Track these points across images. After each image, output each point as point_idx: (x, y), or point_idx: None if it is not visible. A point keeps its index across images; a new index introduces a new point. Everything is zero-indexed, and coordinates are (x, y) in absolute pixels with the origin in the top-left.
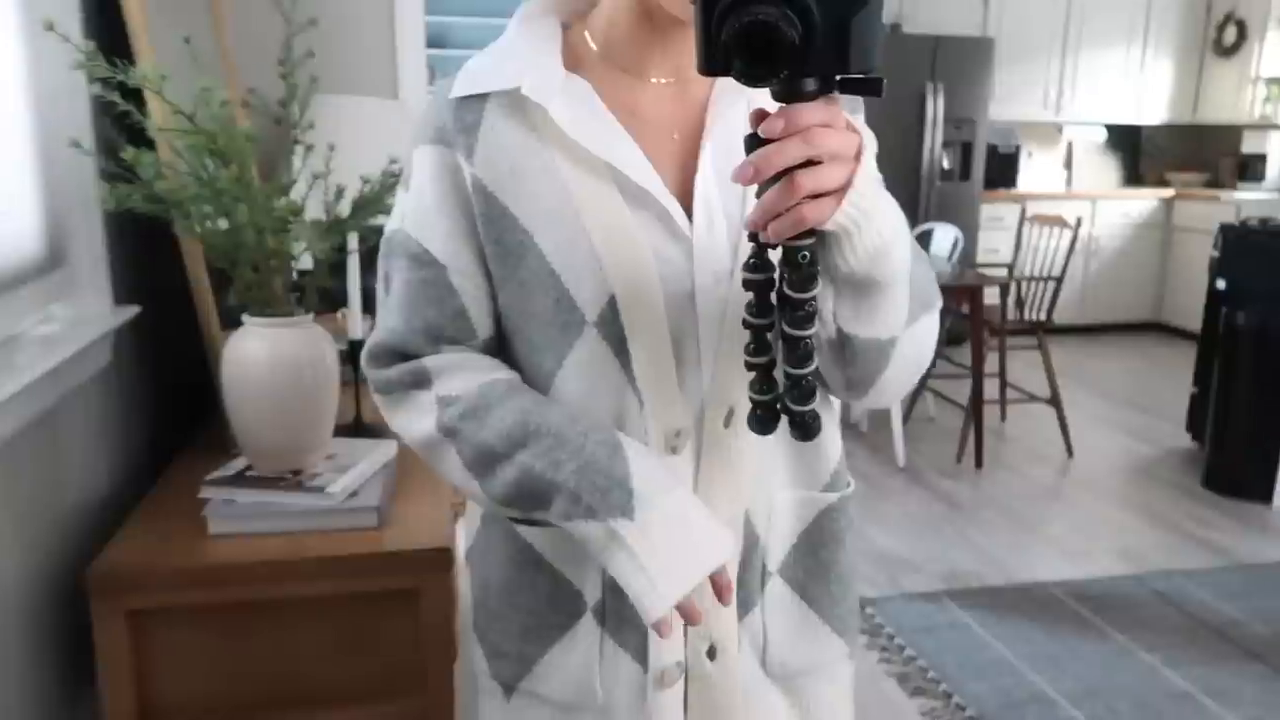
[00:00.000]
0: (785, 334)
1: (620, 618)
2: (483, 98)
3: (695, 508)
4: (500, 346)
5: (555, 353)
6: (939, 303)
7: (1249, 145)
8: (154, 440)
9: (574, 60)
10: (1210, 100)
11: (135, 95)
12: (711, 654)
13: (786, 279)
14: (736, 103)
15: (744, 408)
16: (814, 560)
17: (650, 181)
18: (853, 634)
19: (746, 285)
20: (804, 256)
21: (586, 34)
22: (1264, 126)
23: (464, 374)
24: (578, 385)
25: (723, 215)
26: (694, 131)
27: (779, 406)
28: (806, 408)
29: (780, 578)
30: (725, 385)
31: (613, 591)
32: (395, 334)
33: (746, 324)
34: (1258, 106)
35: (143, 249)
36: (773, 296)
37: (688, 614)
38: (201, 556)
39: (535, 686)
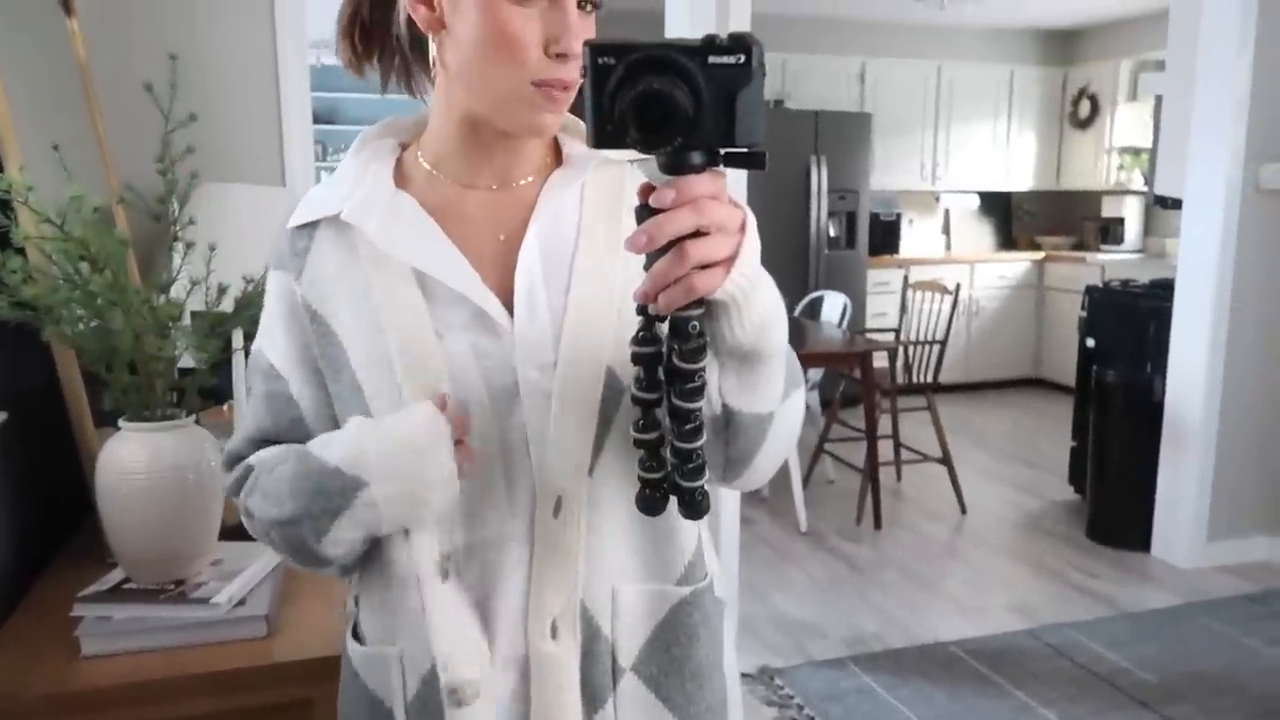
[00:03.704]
0: (674, 407)
1: None
2: (315, 224)
3: (383, 422)
4: None
5: None
6: (804, 381)
7: (1108, 209)
8: (24, 552)
9: (405, 178)
10: (1071, 168)
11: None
12: None
13: (676, 350)
14: (562, 198)
15: (571, 497)
16: (667, 657)
17: (463, 281)
18: None
19: (635, 360)
20: (693, 327)
21: (418, 153)
22: (1120, 192)
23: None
24: None
25: (546, 308)
26: (520, 230)
27: (667, 486)
28: (696, 484)
29: (635, 674)
30: (553, 476)
31: (418, 709)
32: (241, 441)
33: (635, 399)
34: (1113, 174)
35: (10, 351)
36: (660, 371)
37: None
38: (73, 681)
39: None
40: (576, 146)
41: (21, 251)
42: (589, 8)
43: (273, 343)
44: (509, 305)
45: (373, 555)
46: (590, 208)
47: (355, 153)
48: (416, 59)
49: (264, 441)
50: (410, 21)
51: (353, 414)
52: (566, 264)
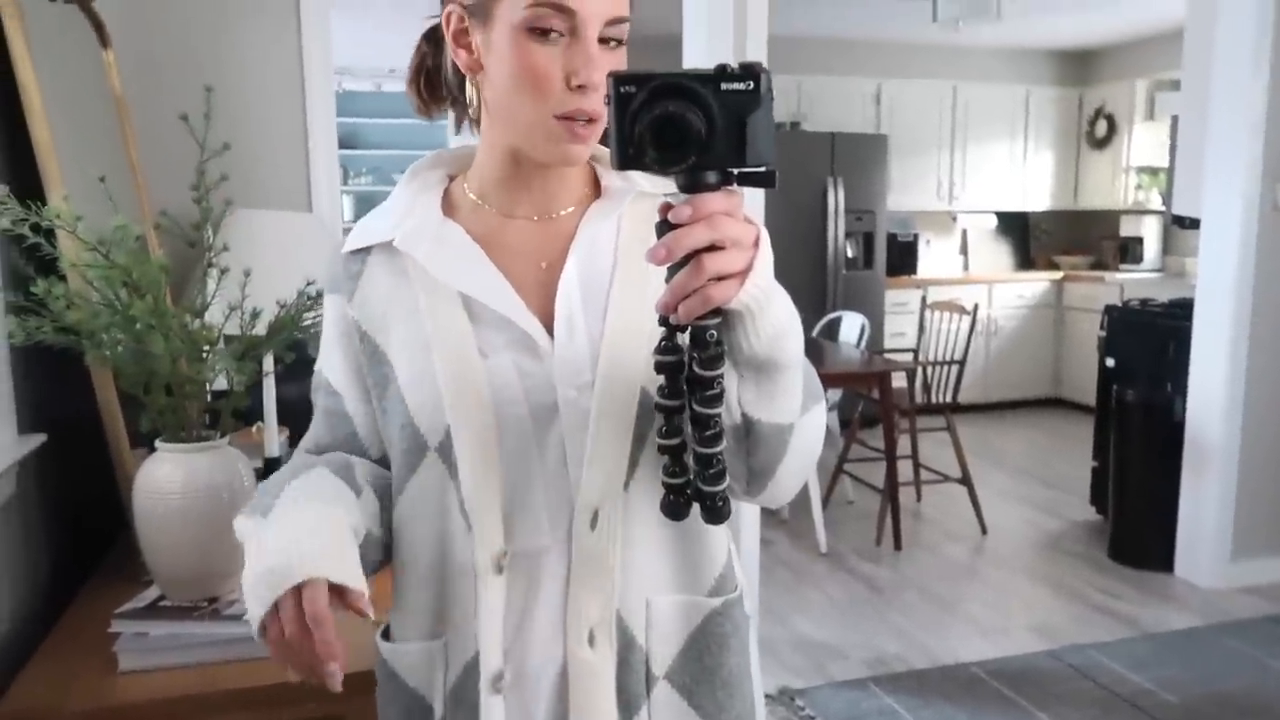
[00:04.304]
0: (696, 414)
1: None
2: (367, 250)
3: (320, 522)
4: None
5: (401, 476)
6: (824, 398)
7: (1126, 229)
8: (60, 571)
9: (452, 208)
10: (1089, 188)
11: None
12: None
13: (696, 359)
14: (600, 228)
15: (607, 510)
16: (699, 666)
17: (507, 305)
18: None
19: (658, 368)
20: (711, 335)
21: (465, 185)
22: (1138, 211)
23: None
24: (412, 507)
25: (584, 332)
26: (561, 258)
27: (690, 491)
28: (717, 488)
29: (668, 683)
30: (590, 490)
31: (454, 704)
32: (301, 452)
33: (658, 406)
34: (1131, 193)
35: (51, 374)
36: (682, 380)
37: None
38: (110, 696)
39: None
40: (614, 180)
41: (63, 278)
42: (612, 44)
43: (330, 362)
44: (550, 328)
45: (425, 554)
46: (626, 238)
47: (406, 183)
48: (465, 100)
49: (321, 452)
50: (456, 66)
51: (396, 428)
52: (604, 291)
